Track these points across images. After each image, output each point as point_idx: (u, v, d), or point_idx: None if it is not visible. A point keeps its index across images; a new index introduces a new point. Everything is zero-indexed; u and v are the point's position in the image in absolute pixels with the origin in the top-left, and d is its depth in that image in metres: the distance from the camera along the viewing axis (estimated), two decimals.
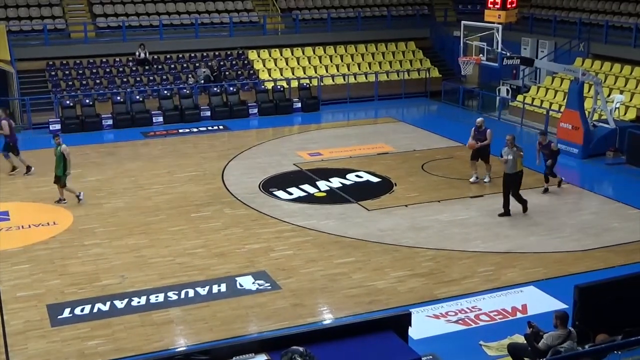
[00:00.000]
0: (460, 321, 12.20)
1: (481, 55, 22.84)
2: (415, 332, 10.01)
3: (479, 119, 19.41)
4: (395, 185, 19.47)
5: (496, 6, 23.32)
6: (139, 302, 12.85)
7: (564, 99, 25.05)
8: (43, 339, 11.64)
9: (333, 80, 31.30)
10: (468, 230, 16.27)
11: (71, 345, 11.43)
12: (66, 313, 12.47)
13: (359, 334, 8.53)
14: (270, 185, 19.51)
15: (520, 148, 16.87)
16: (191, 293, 13.19)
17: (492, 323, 12.16)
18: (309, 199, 18.43)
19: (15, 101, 27.55)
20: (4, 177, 20.60)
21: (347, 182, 19.69)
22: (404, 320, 8.92)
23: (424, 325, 11.89)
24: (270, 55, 31.87)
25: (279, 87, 29.73)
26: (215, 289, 13.37)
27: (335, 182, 19.64)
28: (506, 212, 16.92)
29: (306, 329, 9.22)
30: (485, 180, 19.43)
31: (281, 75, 31.01)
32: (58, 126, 26.10)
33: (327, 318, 12.59)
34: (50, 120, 26.30)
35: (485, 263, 14.49)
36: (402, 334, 8.75)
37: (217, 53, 31.38)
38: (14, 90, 27.62)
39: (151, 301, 12.89)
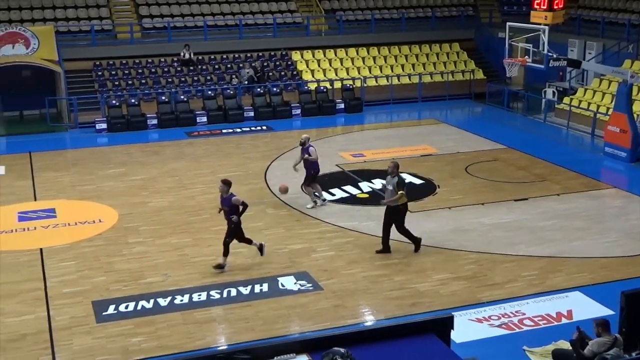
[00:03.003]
0: (503, 325, 12.06)
1: (527, 56, 22.56)
2: (458, 335, 9.92)
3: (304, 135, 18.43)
4: (439, 187, 19.34)
5: (542, 7, 23.01)
6: (181, 300, 12.96)
7: (611, 102, 24.62)
8: (88, 335, 11.80)
9: (376, 82, 31.21)
10: (512, 233, 16.08)
11: (115, 342, 11.57)
12: (111, 310, 12.63)
13: (400, 337, 8.46)
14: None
15: (403, 180, 15.18)
16: (233, 292, 13.26)
17: (536, 328, 11.99)
18: (351, 200, 18.40)
19: (63, 101, 28.02)
20: (51, 175, 20.97)
21: None
22: (446, 324, 8.82)
23: (467, 328, 11.78)
24: (313, 56, 31.90)
25: (322, 88, 29.75)
26: (257, 288, 13.42)
27: (378, 183, 19.55)
28: (385, 249, 14.88)
29: (348, 330, 9.18)
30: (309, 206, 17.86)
31: (324, 76, 31.02)
32: (104, 125, 26.49)
33: (369, 320, 12.55)
34: (96, 119, 26.70)
35: (530, 267, 14.30)
36: (444, 337, 8.65)
37: (260, 54, 31.52)
38: (61, 90, 28.09)
39: (194, 299, 12.99)
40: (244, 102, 28.74)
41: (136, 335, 11.79)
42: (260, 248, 14.46)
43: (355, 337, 8.30)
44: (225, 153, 23.30)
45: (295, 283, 13.60)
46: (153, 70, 29.98)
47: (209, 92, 28.58)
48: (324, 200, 17.93)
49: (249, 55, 31.34)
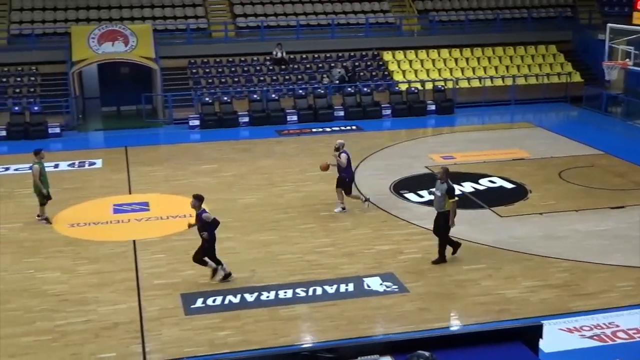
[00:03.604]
0: (595, 337, 11.66)
1: (628, 59, 21.82)
2: (547, 345, 9.64)
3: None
4: (530, 192, 18.88)
5: None
6: (267, 297, 13.08)
7: None
8: (176, 327, 12.06)
9: (469, 83, 30.77)
10: (607, 242, 15.54)
11: (202, 335, 11.78)
12: (199, 303, 12.86)
13: (486, 343, 8.30)
14: (401, 187, 19.39)
15: (452, 187, 14.41)
16: (319, 291, 13.30)
17: (631, 342, 11.54)
18: None
19: (159, 97, 28.76)
20: (146, 169, 21.54)
21: (480, 187, 19.28)
22: (534, 332, 8.60)
23: (556, 338, 11.45)
24: (405, 57, 31.69)
25: (413, 88, 29.53)
26: (342, 288, 13.41)
27: (467, 186, 19.27)
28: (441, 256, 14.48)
29: (433, 334, 9.06)
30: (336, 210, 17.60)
31: (416, 77, 30.79)
32: (197, 122, 27.05)
33: (454, 324, 12.37)
34: (190, 116, 27.30)
35: (626, 277, 13.78)
36: (532, 346, 8.44)
37: (352, 54, 31.54)
38: (157, 87, 28.84)
39: (280, 296, 13.09)
40: (334, 101, 28.82)
41: (223, 329, 11.97)
42: (214, 272, 13.60)
43: (440, 341, 8.18)
44: (314, 152, 23.41)
45: (380, 284, 13.53)
46: (246, 68, 30.42)
47: (300, 91, 28.79)
48: (342, 209, 17.48)
49: (340, 54, 31.41)
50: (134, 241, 15.80)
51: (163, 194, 19.24)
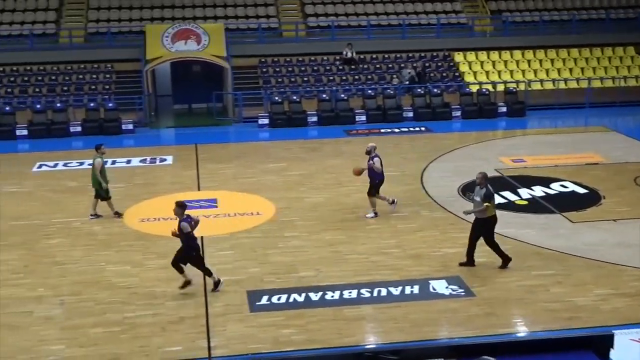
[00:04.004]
0: None
1: None
2: (617, 355, 9.38)
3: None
4: (604, 198, 18.39)
5: None
6: (332, 297, 13.07)
7: None
8: (241, 323, 12.16)
9: (542, 85, 30.18)
10: None
11: (267, 332, 11.85)
12: (264, 300, 12.94)
13: (554, 351, 8.14)
14: (470, 189, 19.10)
15: (491, 192, 13.97)
16: (384, 292, 13.22)
17: None
18: (509, 206, 17.86)
19: (229, 96, 29.11)
20: (215, 167, 21.82)
21: (551, 192, 18.87)
22: (605, 341, 8.39)
23: (628, 348, 11.06)
24: (476, 58, 31.30)
25: (484, 90, 29.14)
26: (407, 290, 13.30)
27: (538, 190, 18.89)
28: (469, 262, 14.19)
29: (499, 340, 8.94)
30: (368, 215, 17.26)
31: (487, 78, 30.37)
32: (267, 121, 27.26)
33: (522, 331, 12.12)
34: (259, 115, 27.53)
35: None
36: (603, 356, 8.23)
37: (422, 54, 31.31)
38: (228, 86, 29.20)
39: (344, 296, 13.06)
40: (403, 102, 28.65)
41: (287, 327, 12.01)
42: (187, 283, 13.17)
43: (507, 347, 8.05)
44: (382, 152, 23.08)
45: (446, 287, 13.37)
46: (315, 68, 30.51)
47: (369, 92, 28.72)
48: (374, 215, 17.16)
49: (410, 55, 31.23)
50: (201, 237, 15.99)
51: (231, 191, 19.44)
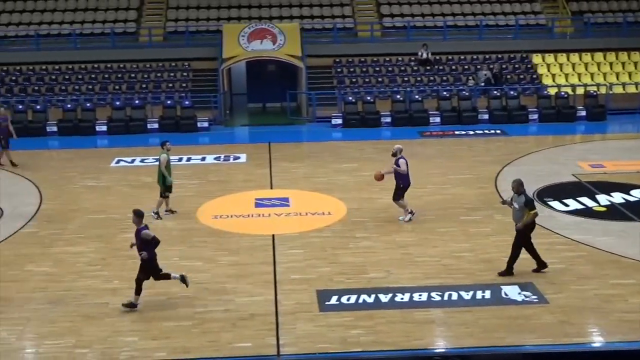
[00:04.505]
0: None
1: None
2: None
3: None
4: None
5: None
6: (402, 299, 12.96)
7: None
8: (311, 322, 12.17)
9: (624, 89, 29.33)
10: None
11: (335, 332, 11.83)
12: (333, 300, 12.93)
13: None
14: (546, 194, 18.72)
15: (530, 198, 13.85)
16: (454, 296, 13.04)
17: None
18: (586, 212, 17.40)
19: (303, 95, 29.24)
20: (287, 165, 21.95)
21: (631, 199, 18.30)
22: None
23: None
24: (555, 60, 30.62)
25: (562, 93, 28.49)
26: (479, 294, 13.09)
27: (618, 197, 18.34)
28: (539, 265, 13.92)
29: (573, 349, 8.70)
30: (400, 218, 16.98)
31: (566, 81, 29.68)
32: (340, 121, 27.28)
33: (597, 341, 11.77)
34: (333, 114, 27.57)
35: None
36: None
37: (499, 56, 30.81)
38: (302, 85, 29.33)
39: (414, 299, 12.94)
40: (479, 104, 28.26)
41: (356, 327, 11.97)
42: (183, 279, 12.85)
43: (581, 357, 7.82)
44: (456, 155, 23.05)
45: (519, 293, 13.10)
46: (390, 68, 30.37)
47: (444, 93, 28.44)
48: (407, 218, 16.90)
49: (487, 56, 30.77)
50: (273, 235, 16.12)
51: (303, 190, 19.51)
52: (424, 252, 15.12)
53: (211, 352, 11.28)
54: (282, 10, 32.38)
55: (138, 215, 12.64)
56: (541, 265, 13.93)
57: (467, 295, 13.07)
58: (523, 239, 13.75)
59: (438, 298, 12.98)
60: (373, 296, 13.06)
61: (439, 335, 11.94)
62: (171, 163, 17.63)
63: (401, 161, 16.69)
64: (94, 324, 12.15)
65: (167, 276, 12.80)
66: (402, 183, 16.75)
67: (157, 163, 17.82)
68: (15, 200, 18.92)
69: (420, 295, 13.09)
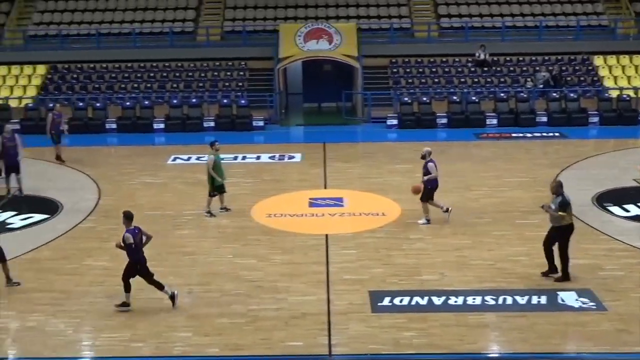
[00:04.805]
0: None
1: None
2: None
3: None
4: None
5: None
6: (455, 302, 12.83)
7: None
8: (362, 323, 12.13)
9: None
10: None
11: (388, 333, 11.77)
12: (386, 301, 12.87)
13: None
14: (605, 199, 18.31)
15: (567, 198, 13.55)
16: (509, 300, 12.85)
17: None
18: None
19: (359, 95, 29.19)
20: (342, 166, 21.93)
21: None
22: None
23: None
24: (618, 62, 29.94)
25: (625, 96, 27.87)
26: (534, 299, 12.87)
27: None
28: (551, 270, 13.71)
29: (631, 358, 8.47)
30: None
31: (629, 83, 28.98)
32: (395, 121, 27.17)
33: None
34: (388, 115, 27.47)
35: None
36: None
37: (559, 57, 30.26)
38: (358, 85, 29.28)
39: (468, 302, 12.80)
40: (537, 106, 27.83)
41: (408, 329, 11.89)
42: (172, 298, 12.69)
43: None
44: (513, 157, 22.73)
45: (576, 300, 12.83)
46: (447, 69, 30.11)
47: (502, 94, 28.08)
48: (426, 221, 16.73)
49: (546, 58, 30.27)
50: (326, 235, 16.12)
51: (357, 190, 19.47)
52: (479, 255, 14.94)
53: (263, 350, 11.33)
54: (339, 10, 32.39)
55: (127, 217, 12.67)
56: (551, 270, 13.68)
57: (522, 300, 12.86)
58: (559, 239, 13.52)
59: (492, 302, 12.81)
60: (426, 298, 12.95)
61: (492, 340, 11.78)
62: (226, 161, 17.81)
63: (430, 165, 16.65)
64: (149, 319, 12.32)
65: (160, 286, 12.70)
66: (430, 185, 16.71)
67: (223, 162, 18.00)
68: (75, 195, 19.32)
69: (474, 298, 12.94)
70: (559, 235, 13.55)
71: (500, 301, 12.83)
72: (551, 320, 12.14)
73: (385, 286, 13.50)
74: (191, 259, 14.92)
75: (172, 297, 12.72)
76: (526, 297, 12.94)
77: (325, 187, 19.91)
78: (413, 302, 12.82)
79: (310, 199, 18.69)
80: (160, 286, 12.73)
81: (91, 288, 13.51)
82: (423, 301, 12.86)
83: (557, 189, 13.61)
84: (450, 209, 16.87)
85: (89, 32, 31.52)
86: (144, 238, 12.80)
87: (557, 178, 14.02)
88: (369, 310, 12.58)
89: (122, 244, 12.55)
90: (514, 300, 12.85)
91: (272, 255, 15.06)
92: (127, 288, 12.59)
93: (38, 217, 17.52)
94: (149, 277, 12.69)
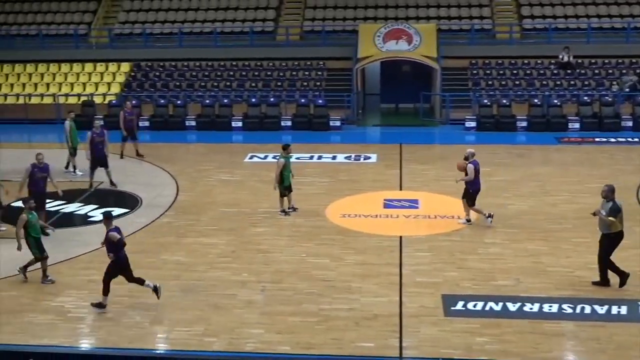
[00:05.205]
0: None
1: None
2: None
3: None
4: None
5: None
6: (531, 309, 12.55)
7: None
8: (434, 326, 12.00)
9: None
10: None
11: (460, 338, 11.61)
12: (459, 305, 12.69)
13: None
14: None
15: (618, 204, 13.19)
16: (587, 309, 12.49)
17: None
18: None
19: (437, 97, 28.91)
20: (418, 167, 21.76)
21: None
22: None
23: None
24: None
25: None
26: (614, 309, 12.47)
27: None
28: (621, 279, 13.21)
29: None
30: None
31: None
32: (473, 124, 26.79)
33: None
34: (466, 117, 27.11)
35: None
36: None
37: None
38: (436, 87, 29.01)
39: (544, 310, 12.50)
40: (622, 110, 26.99)
41: (481, 335, 11.70)
42: (155, 289, 12.75)
43: None
44: (595, 163, 22.11)
45: None
46: (528, 71, 29.54)
47: (585, 98, 27.35)
48: (467, 221, 16.63)
49: (634, 61, 29.33)
50: (400, 237, 16.02)
51: (433, 193, 19.28)
52: (557, 262, 14.58)
53: (334, 350, 11.33)
54: (419, 10, 32.15)
55: (107, 217, 12.87)
56: (622, 277, 13.23)
57: (601, 310, 12.48)
58: (606, 247, 13.18)
59: (569, 310, 12.48)
60: (501, 304, 12.71)
61: (568, 349, 11.48)
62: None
63: (469, 166, 16.38)
64: (222, 314, 12.48)
65: (141, 281, 12.78)
66: (471, 188, 16.46)
67: (291, 160, 18.08)
68: (154, 190, 19.75)
69: (550, 306, 12.63)
70: (608, 242, 13.21)
71: (578, 310, 12.49)
72: (631, 332, 11.75)
73: (459, 290, 13.32)
74: (265, 257, 15.04)
75: (155, 290, 12.75)
76: (605, 307, 12.55)
77: (400, 189, 19.79)
78: (487, 308, 12.60)
79: (385, 200, 18.61)
80: (141, 281, 12.79)
81: (167, 282, 13.75)
82: (497, 307, 12.63)
83: (609, 193, 13.29)
84: (492, 214, 16.62)
85: (172, 31, 32.20)
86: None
87: (609, 183, 13.58)
88: (442, 313, 12.44)
89: (106, 242, 12.67)
90: (593, 310, 12.49)
91: (345, 255, 15.05)
92: (106, 290, 12.61)
93: (118, 210, 17.98)
94: (129, 274, 12.74)
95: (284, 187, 17.48)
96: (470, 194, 16.54)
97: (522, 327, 11.95)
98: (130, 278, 12.77)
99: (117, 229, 12.78)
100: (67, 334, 11.98)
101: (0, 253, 14.69)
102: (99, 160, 19.83)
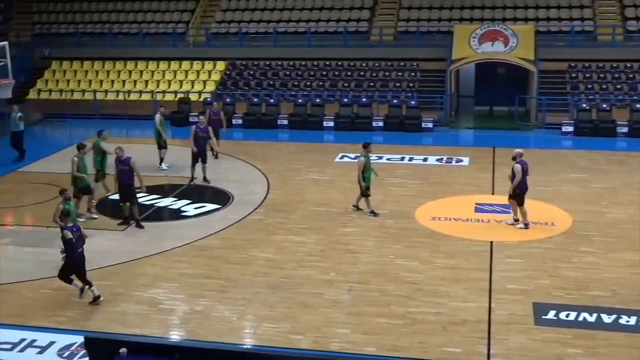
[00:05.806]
0: None
1: None
2: None
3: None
4: None
5: None
6: (627, 321, 12.09)
7: None
8: (524, 335, 11.72)
9: None
10: None
11: (550, 348, 11.30)
12: (551, 315, 12.36)
13: None
14: None
15: None
16: None
17: None
18: None
19: (533, 100, 28.24)
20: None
21: None
22: None
23: None
24: None
25: None
26: None
27: None
28: None
29: None
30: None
31: None
32: (571, 128, 26.05)
33: None
34: (563, 121, 26.38)
35: None
36: None
37: None
38: (532, 90, 28.33)
39: None
40: None
41: (573, 346, 11.35)
42: (82, 292, 12.83)
43: None
44: None
45: None
46: (631, 75, 28.50)
47: None
48: (515, 221, 16.59)
49: None
50: (491, 242, 15.72)
51: (526, 198, 18.79)
52: None
53: (420, 353, 11.21)
54: (517, 11, 31.47)
55: (64, 214, 13.21)
56: None
57: None
58: None
59: None
60: (595, 315, 12.30)
61: None
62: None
63: (516, 166, 16.27)
64: (309, 313, 12.53)
65: (88, 284, 12.86)
66: (518, 188, 16.26)
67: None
68: (246, 188, 20.02)
69: None
70: None
71: None
72: None
73: (551, 299, 12.96)
74: (353, 257, 15.03)
75: (81, 292, 12.85)
76: None
77: (492, 193, 19.41)
78: (580, 318, 12.22)
79: (476, 204, 18.29)
80: (89, 284, 12.87)
81: (255, 278, 13.94)
82: (591, 318, 12.22)
83: None
84: (528, 224, 16.53)
85: (267, 31, 32.59)
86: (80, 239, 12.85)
87: None
88: (532, 322, 12.13)
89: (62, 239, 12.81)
90: None
91: (434, 259, 14.88)
92: (69, 281, 12.87)
93: (210, 206, 18.32)
94: (82, 274, 12.83)
95: (365, 187, 17.42)
96: (517, 194, 16.46)
97: (617, 340, 11.53)
98: (82, 279, 12.86)
99: (73, 228, 12.71)
100: (159, 325, 12.28)
101: (95, 243, 15.15)
102: (200, 154, 20.30)
